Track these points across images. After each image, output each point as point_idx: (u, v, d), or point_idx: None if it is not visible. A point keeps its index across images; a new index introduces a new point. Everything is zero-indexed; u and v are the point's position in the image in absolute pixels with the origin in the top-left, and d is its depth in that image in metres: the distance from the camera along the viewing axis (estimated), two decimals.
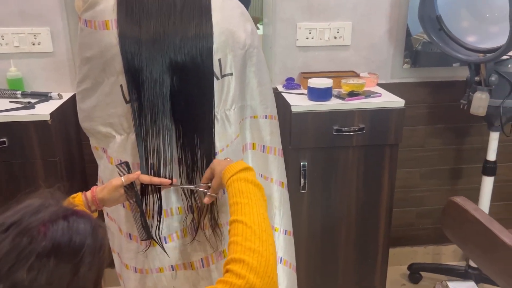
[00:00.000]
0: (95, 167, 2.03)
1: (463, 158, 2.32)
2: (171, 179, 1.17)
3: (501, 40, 1.68)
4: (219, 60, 1.14)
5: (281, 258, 1.39)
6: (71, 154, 1.91)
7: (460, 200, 1.50)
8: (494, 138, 1.98)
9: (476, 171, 2.34)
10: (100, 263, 0.74)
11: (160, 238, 1.24)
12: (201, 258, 1.27)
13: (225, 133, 1.19)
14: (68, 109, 1.91)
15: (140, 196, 1.13)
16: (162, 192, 1.21)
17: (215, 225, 1.22)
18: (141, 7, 1.09)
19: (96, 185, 1.18)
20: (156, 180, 1.14)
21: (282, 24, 2.02)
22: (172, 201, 1.23)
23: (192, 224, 1.24)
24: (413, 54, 2.13)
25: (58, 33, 1.92)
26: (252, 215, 0.91)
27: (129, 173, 1.12)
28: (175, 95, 1.11)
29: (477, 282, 2.14)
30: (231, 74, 1.17)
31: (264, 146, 1.32)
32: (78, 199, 1.08)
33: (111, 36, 1.09)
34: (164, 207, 1.22)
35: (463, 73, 2.16)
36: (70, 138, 1.92)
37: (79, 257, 0.69)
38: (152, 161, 1.15)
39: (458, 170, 2.34)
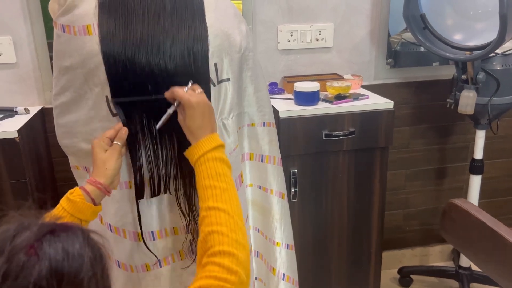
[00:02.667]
0: (68, 186, 1.88)
1: (447, 157, 2.31)
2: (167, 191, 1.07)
3: (488, 37, 1.67)
4: (215, 65, 1.04)
5: (283, 274, 1.30)
6: (42, 173, 1.75)
7: (461, 202, 1.46)
8: (480, 136, 1.97)
9: (460, 169, 2.33)
10: (105, 274, 0.65)
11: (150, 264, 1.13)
12: None
13: (224, 143, 1.09)
14: (36, 125, 1.76)
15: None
16: (155, 212, 1.10)
17: None
18: (126, 8, 0.98)
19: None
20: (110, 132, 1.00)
21: (262, 27, 1.94)
22: (167, 221, 1.12)
23: (191, 245, 1.13)
24: (393, 55, 2.10)
25: (22, 41, 1.76)
26: (232, 204, 0.87)
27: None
28: (168, 105, 1.00)
29: (468, 282, 2.12)
30: (228, 79, 1.08)
31: (262, 155, 1.23)
32: (77, 194, 0.93)
33: (93, 42, 0.98)
34: (157, 228, 1.11)
35: (443, 72, 2.15)
36: (40, 156, 1.76)
37: (82, 273, 0.61)
38: (143, 177, 1.04)
39: (442, 169, 2.33)
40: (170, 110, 0.99)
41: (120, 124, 1.00)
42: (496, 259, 1.37)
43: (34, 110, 1.76)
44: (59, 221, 0.68)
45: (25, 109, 1.72)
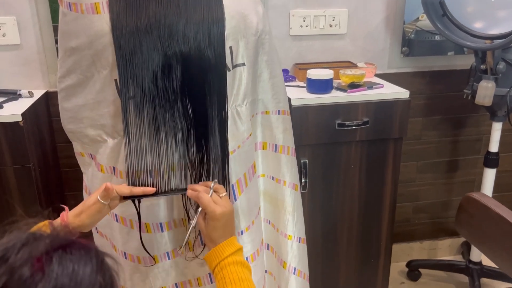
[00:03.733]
0: (72, 172, 1.84)
1: (459, 149, 2.25)
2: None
3: (510, 25, 1.60)
4: (230, 48, 0.98)
5: (294, 268, 1.25)
6: (46, 159, 1.70)
7: (479, 196, 1.41)
8: (496, 129, 1.91)
9: (472, 162, 2.28)
10: None
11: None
12: (209, 273, 1.13)
13: (237, 132, 1.04)
14: (41, 109, 1.71)
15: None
16: (161, 201, 1.05)
17: None
18: None
19: (65, 209, 0.96)
20: (137, 190, 0.97)
21: (275, 11, 1.87)
22: (175, 212, 1.07)
23: (200, 236, 1.08)
24: (407, 43, 2.03)
25: (26, 22, 1.71)
26: None
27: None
28: (180, 90, 0.95)
29: (478, 277, 2.08)
30: (243, 64, 1.02)
31: (276, 145, 1.17)
32: (45, 229, 0.89)
33: (103, 21, 0.92)
34: (166, 219, 1.06)
35: (458, 62, 2.09)
36: (44, 140, 1.72)
37: None
38: (150, 168, 0.98)
39: (454, 162, 2.27)
40: (193, 222, 0.97)
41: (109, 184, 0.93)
42: None
43: (38, 93, 1.71)
44: (75, 237, 0.61)
45: (29, 92, 1.67)
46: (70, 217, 0.91)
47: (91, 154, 1.08)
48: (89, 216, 0.91)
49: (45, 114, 1.75)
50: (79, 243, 0.59)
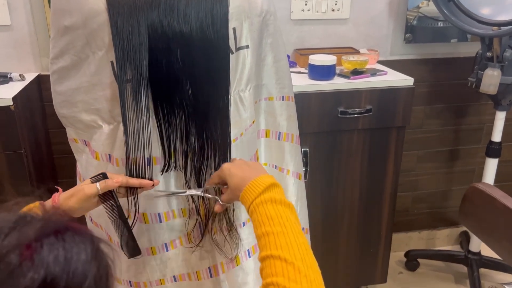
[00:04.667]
0: (66, 158, 1.79)
1: (460, 139, 2.21)
2: (152, 179, 0.94)
3: None
4: (234, 29, 0.93)
5: None
6: (38, 145, 1.65)
7: (485, 186, 1.38)
8: (500, 118, 1.88)
9: (472, 152, 2.25)
10: None
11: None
12: (209, 267, 1.08)
13: (239, 119, 0.99)
14: (33, 93, 1.65)
15: (121, 207, 0.91)
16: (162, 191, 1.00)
17: (229, 227, 1.02)
18: None
19: (59, 190, 0.92)
20: (134, 181, 0.91)
21: None
22: (174, 202, 1.02)
23: (199, 227, 1.04)
24: (409, 30, 1.98)
25: (17, 2, 1.63)
26: (291, 247, 0.71)
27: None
28: (180, 74, 0.89)
29: (477, 268, 2.06)
30: (247, 46, 0.97)
31: (280, 132, 1.12)
32: (36, 210, 0.84)
33: None
34: (164, 209, 1.02)
35: (462, 49, 2.04)
36: (37, 125, 1.66)
37: None
38: (148, 155, 0.93)
39: (455, 151, 2.24)
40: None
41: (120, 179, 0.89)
42: None
43: (30, 77, 1.64)
44: (70, 221, 0.56)
45: (20, 75, 1.60)
46: (61, 199, 0.86)
47: (85, 141, 1.03)
48: (78, 201, 0.86)
49: (37, 98, 1.69)
50: (73, 228, 0.54)
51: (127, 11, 0.86)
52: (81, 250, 0.52)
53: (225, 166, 0.89)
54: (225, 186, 0.92)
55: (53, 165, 1.82)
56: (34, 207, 0.83)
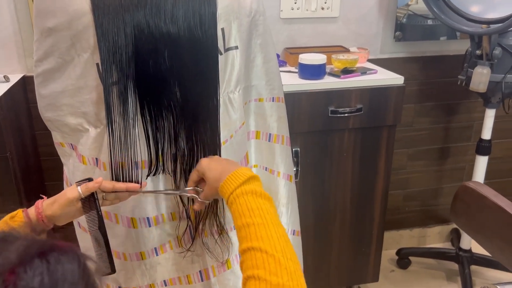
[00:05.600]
0: (53, 160, 1.76)
1: (450, 137, 2.22)
2: (139, 182, 0.92)
3: (507, 10, 1.55)
4: (222, 29, 0.91)
5: None
6: (24, 147, 1.61)
7: (476, 185, 1.37)
8: (490, 116, 1.88)
9: (463, 150, 2.26)
10: None
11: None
12: (200, 271, 1.07)
13: (229, 121, 0.97)
14: (18, 94, 1.61)
15: (102, 217, 0.88)
16: (151, 197, 0.98)
17: (220, 230, 1.01)
18: None
19: (43, 198, 0.89)
20: (120, 185, 0.89)
21: None
22: (163, 206, 1.00)
23: (189, 231, 1.02)
24: (399, 28, 1.98)
25: (0, 1, 1.60)
26: (271, 239, 0.71)
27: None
28: (168, 75, 0.88)
29: (468, 265, 2.07)
30: (236, 47, 0.95)
31: (270, 134, 1.11)
32: (19, 218, 0.81)
33: None
34: (154, 213, 1.00)
35: (451, 47, 2.04)
36: (22, 128, 1.62)
37: None
38: (136, 159, 0.91)
39: (445, 149, 2.24)
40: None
41: (101, 179, 0.87)
42: None
43: (14, 78, 1.61)
44: (54, 240, 0.53)
45: (4, 76, 1.57)
46: (44, 205, 0.84)
47: (71, 144, 1.00)
48: (60, 206, 0.84)
49: (23, 100, 1.66)
50: (58, 248, 0.52)
51: (112, 12, 0.84)
52: (67, 271, 0.50)
53: (204, 160, 0.90)
54: (201, 190, 0.91)
55: (40, 168, 1.79)
56: (16, 215, 0.81)
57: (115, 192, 0.89)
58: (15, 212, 0.82)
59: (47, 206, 0.84)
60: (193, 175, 0.92)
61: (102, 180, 0.87)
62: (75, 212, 0.86)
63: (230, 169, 0.84)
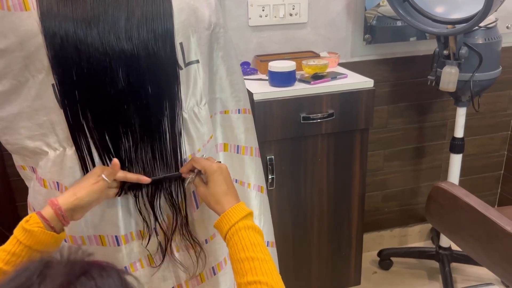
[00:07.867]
0: (22, 181, 1.71)
1: (425, 136, 2.24)
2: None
3: (471, 9, 1.58)
4: (181, 44, 0.90)
5: None
6: None
7: (448, 185, 1.39)
8: (461, 114, 1.90)
9: (438, 148, 2.28)
10: None
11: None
12: (173, 287, 1.05)
13: (196, 135, 0.96)
14: None
15: None
16: (119, 210, 0.96)
17: (193, 244, 0.99)
18: None
19: (29, 212, 0.89)
20: (132, 176, 0.90)
21: (232, 1, 1.79)
22: (133, 224, 0.98)
23: (160, 247, 1.00)
24: (368, 30, 1.99)
25: None
26: (273, 274, 0.80)
27: None
28: (125, 94, 0.86)
29: (448, 262, 2.09)
30: (197, 61, 0.93)
31: (238, 146, 1.10)
32: (34, 221, 0.80)
33: (32, 19, 0.82)
34: (123, 232, 0.98)
35: (421, 48, 2.06)
36: None
37: None
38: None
39: (421, 148, 2.26)
40: (189, 179, 0.94)
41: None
42: (486, 245, 1.30)
43: None
44: (89, 258, 0.56)
45: None
46: (63, 199, 0.84)
47: (32, 167, 0.98)
48: (88, 194, 0.85)
49: None
50: (97, 265, 0.55)
51: (63, 30, 0.81)
52: (112, 284, 0.53)
53: (215, 165, 0.92)
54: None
55: (10, 188, 1.74)
56: (31, 218, 0.81)
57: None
58: (28, 216, 0.82)
59: (63, 199, 0.84)
60: (188, 164, 0.93)
61: (120, 174, 0.88)
62: (99, 200, 0.88)
63: (232, 200, 0.90)
